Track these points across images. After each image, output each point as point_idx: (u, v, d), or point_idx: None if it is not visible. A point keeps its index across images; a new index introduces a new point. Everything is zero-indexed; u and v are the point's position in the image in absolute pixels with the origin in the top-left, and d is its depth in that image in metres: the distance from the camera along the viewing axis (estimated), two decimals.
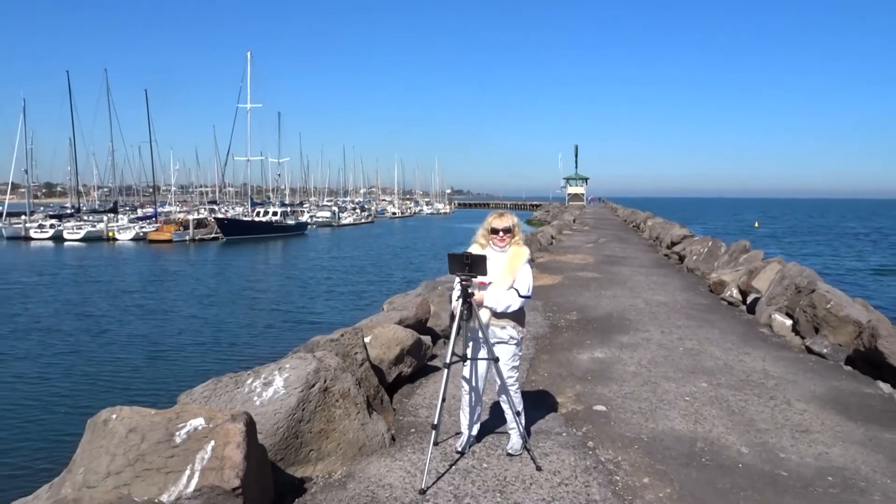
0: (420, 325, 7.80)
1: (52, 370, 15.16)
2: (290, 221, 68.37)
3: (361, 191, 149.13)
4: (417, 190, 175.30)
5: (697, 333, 9.53)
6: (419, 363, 6.94)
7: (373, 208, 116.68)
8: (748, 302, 11.86)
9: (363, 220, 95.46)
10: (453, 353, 4.67)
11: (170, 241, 54.35)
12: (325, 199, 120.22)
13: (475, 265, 4.58)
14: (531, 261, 4.95)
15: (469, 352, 4.83)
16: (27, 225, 58.24)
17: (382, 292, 27.90)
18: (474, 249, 4.94)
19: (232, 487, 3.55)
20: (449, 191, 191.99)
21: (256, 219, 65.23)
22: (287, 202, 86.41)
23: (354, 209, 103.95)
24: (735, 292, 12.65)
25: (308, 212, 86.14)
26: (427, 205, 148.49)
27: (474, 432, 5.11)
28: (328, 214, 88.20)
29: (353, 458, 4.81)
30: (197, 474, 3.56)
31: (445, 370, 4.60)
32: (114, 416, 3.84)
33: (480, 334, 4.78)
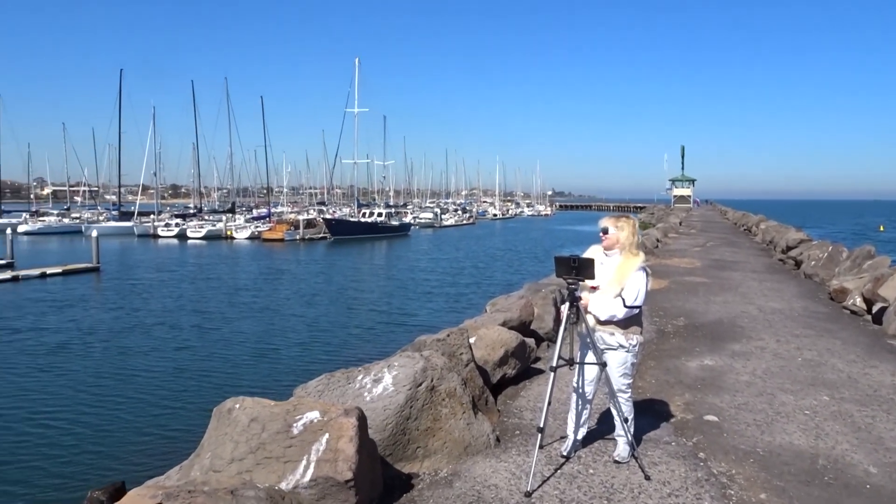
0: (524, 328, 7.80)
1: (179, 361, 16.22)
2: (394, 222, 69.92)
3: (463, 192, 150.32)
4: (518, 191, 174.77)
5: (817, 343, 8.99)
6: (523, 365, 6.94)
7: (474, 210, 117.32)
8: (874, 311, 11.06)
9: (464, 222, 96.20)
10: (560, 357, 4.65)
11: (282, 240, 56.91)
12: (428, 201, 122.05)
13: (582, 268, 4.54)
14: (646, 269, 4.81)
15: (576, 356, 4.79)
16: (155, 223, 62.66)
17: (483, 294, 28.03)
18: (588, 252, 4.89)
19: (345, 479, 3.70)
20: (550, 192, 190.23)
21: (362, 219, 67.20)
22: (391, 204, 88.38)
23: (456, 211, 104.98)
24: (859, 301, 11.82)
25: (411, 213, 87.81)
26: (528, 206, 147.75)
27: (580, 437, 5.06)
28: (431, 216, 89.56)
29: (458, 457, 4.88)
30: (312, 465, 3.73)
31: (552, 373, 4.59)
32: (237, 406, 4.09)
33: (588, 339, 4.74)
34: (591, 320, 4.72)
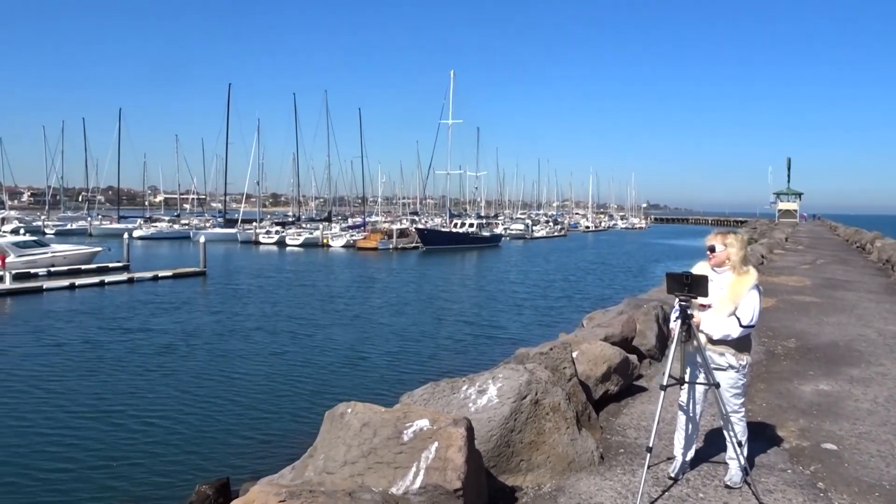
0: (626, 344, 7.65)
1: (276, 365, 16.80)
2: (486, 233, 70.07)
3: (555, 204, 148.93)
4: (612, 203, 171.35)
5: None
6: (626, 382, 6.80)
7: (566, 221, 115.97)
8: None
9: (556, 234, 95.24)
10: (670, 376, 4.53)
11: (375, 248, 58.18)
12: (519, 212, 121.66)
13: (695, 285, 4.42)
14: (759, 288, 4.64)
15: (686, 375, 4.66)
16: (257, 231, 65.48)
17: (574, 308, 27.64)
18: (698, 269, 4.76)
19: (454, 488, 3.75)
20: (645, 205, 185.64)
21: (454, 230, 67.72)
22: (483, 214, 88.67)
23: (547, 222, 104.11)
24: None
25: (502, 224, 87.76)
26: (622, 219, 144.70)
27: (689, 458, 4.91)
28: (522, 227, 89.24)
29: (561, 473, 4.84)
30: (422, 472, 3.80)
31: (662, 392, 4.48)
32: (349, 411, 4.22)
33: (699, 357, 4.60)
34: (702, 338, 4.59)
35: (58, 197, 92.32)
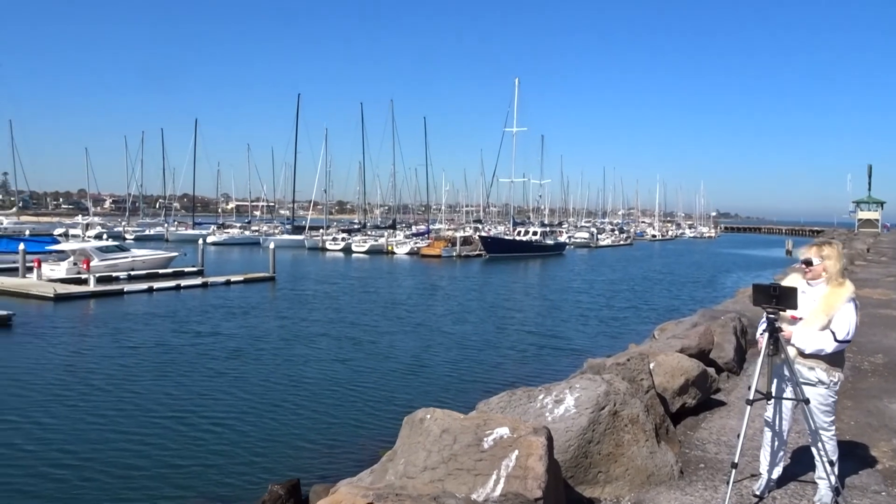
0: (703, 356, 7.45)
1: (342, 370, 17.03)
2: (549, 241, 69.52)
3: (620, 212, 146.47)
4: (679, 212, 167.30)
5: None
6: (703, 396, 6.63)
7: (631, 230, 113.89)
8: None
9: (621, 242, 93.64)
10: (756, 391, 4.40)
11: (439, 256, 58.49)
12: (584, 220, 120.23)
13: (783, 298, 4.28)
14: (856, 301, 4.45)
15: (773, 389, 4.51)
16: (324, 237, 66.83)
17: (641, 319, 27.10)
18: (788, 280, 4.61)
19: (534, 498, 3.73)
20: (714, 213, 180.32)
21: (517, 238, 67.45)
22: (546, 222, 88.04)
23: (613, 231, 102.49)
24: None
25: (566, 232, 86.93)
26: (689, 228, 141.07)
27: (775, 476, 4.74)
28: (586, 235, 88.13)
29: (640, 486, 4.75)
30: (502, 480, 3.80)
31: (748, 407, 4.35)
32: (428, 416, 4.26)
33: (787, 372, 4.44)
34: (791, 352, 4.43)
35: (137, 204, 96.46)
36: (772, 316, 4.33)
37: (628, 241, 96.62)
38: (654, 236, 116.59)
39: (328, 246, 64.83)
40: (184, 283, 32.83)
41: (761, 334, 4.44)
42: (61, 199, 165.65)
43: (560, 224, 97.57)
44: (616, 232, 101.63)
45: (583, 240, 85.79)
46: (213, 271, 38.21)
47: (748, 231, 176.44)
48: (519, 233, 69.76)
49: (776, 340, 4.35)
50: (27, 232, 54.76)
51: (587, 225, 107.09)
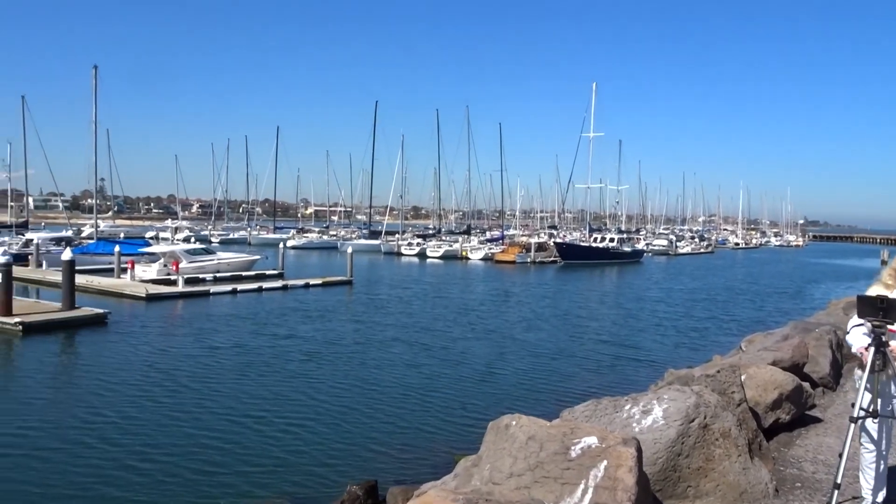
0: (797, 370, 7.13)
1: (416, 375, 17.14)
2: (626, 248, 68.29)
3: (701, 219, 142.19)
4: (764, 219, 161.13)
5: None
6: (798, 411, 6.34)
7: (713, 238, 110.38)
8: None
9: (702, 250, 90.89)
10: (861, 408, 4.17)
11: (513, 262, 58.28)
12: (662, 227, 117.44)
13: (891, 310, 4.05)
14: None
15: (879, 407, 4.26)
16: (399, 242, 67.72)
17: (722, 330, 26.18)
18: (875, 290, 4.37)
19: None
20: (801, 221, 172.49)
21: (593, 244, 66.51)
22: (623, 229, 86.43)
23: (693, 238, 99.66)
24: None
25: (644, 239, 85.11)
26: (775, 236, 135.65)
27: (879, 500, 4.48)
28: (665, 243, 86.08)
29: (732, 503, 4.58)
30: (590, 490, 3.74)
31: (852, 425, 4.13)
32: (514, 423, 4.23)
33: (894, 388, 4.20)
34: None
35: (222, 208, 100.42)
36: (878, 329, 4.11)
37: (709, 249, 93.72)
38: (736, 244, 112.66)
39: (403, 251, 65.63)
40: (265, 285, 33.87)
41: (866, 348, 4.21)
42: (152, 204, 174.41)
43: (637, 231, 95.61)
44: (696, 239, 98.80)
45: (661, 247, 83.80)
46: (292, 274, 39.28)
47: (839, 240, 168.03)
48: (595, 239, 68.80)
49: (884, 355, 4.12)
50: (122, 235, 57.77)
51: (666, 232, 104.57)
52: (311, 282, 36.08)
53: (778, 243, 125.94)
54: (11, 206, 66.64)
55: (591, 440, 3.91)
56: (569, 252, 61.34)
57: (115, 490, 9.59)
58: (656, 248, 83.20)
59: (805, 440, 6.07)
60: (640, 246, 75.65)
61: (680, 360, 19.27)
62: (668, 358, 19.99)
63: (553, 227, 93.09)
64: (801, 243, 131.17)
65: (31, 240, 42.69)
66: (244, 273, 37.52)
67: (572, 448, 3.91)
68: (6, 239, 47.95)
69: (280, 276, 37.97)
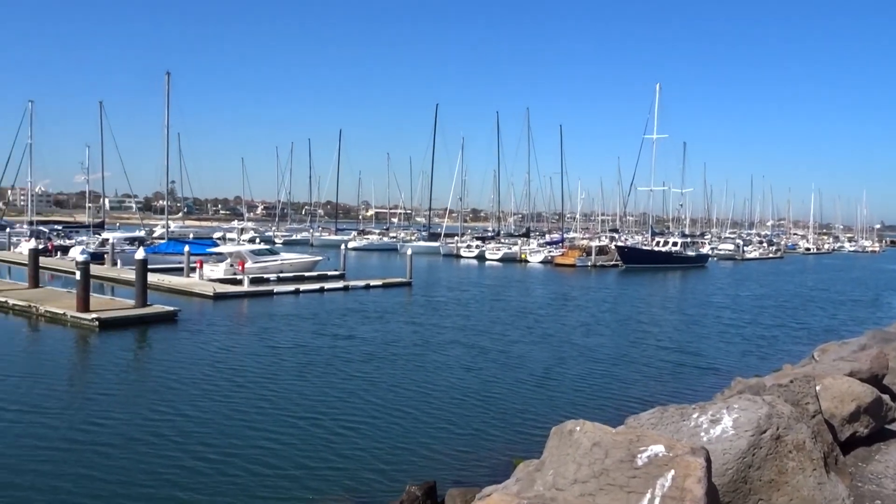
0: (876, 381, 6.80)
1: (472, 379, 17.10)
2: (690, 252, 66.67)
3: (769, 223, 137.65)
4: (837, 224, 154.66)
5: None
6: (877, 425, 6.06)
7: (782, 242, 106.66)
8: None
9: (770, 255, 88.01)
10: None
11: (573, 265, 57.65)
12: (728, 231, 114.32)
13: None
14: None
15: None
16: (458, 244, 67.90)
17: (791, 338, 25.25)
18: None
19: None
20: (878, 226, 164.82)
21: (656, 248, 65.23)
22: (687, 233, 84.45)
23: (761, 242, 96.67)
24: None
25: (709, 243, 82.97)
26: (849, 241, 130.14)
27: None
28: (731, 247, 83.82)
29: None
30: (657, 500, 3.65)
31: None
32: (578, 429, 4.18)
33: None
34: None
35: (285, 210, 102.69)
36: None
37: (778, 255, 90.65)
38: (807, 249, 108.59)
39: (462, 253, 65.75)
40: (327, 286, 34.46)
41: None
42: (220, 206, 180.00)
43: (702, 235, 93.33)
44: (764, 244, 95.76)
45: (727, 252, 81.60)
46: (353, 275, 39.82)
47: None
48: (658, 243, 67.44)
49: None
50: (191, 235, 59.81)
51: (732, 236, 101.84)
52: (372, 283, 36.51)
53: (852, 249, 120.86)
54: (89, 207, 69.86)
55: (658, 448, 3.82)
56: (630, 256, 60.31)
57: (177, 484, 9.87)
58: (722, 252, 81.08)
59: (885, 455, 5.79)
60: (705, 250, 73.72)
61: (747, 368, 18.66)
62: (733, 366, 19.42)
63: (614, 230, 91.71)
64: (877, 249, 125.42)
65: (107, 239, 44.66)
66: (306, 273, 38.25)
67: (638, 456, 3.82)
68: (84, 238, 50.32)
69: (341, 277, 38.56)
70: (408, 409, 14.00)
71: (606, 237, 78.94)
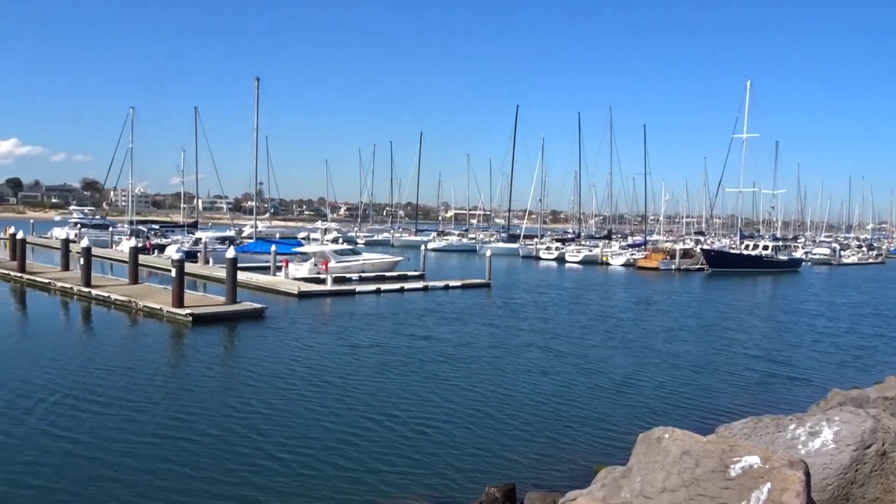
0: None
1: (556, 383, 16.89)
2: (782, 257, 63.88)
3: (869, 226, 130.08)
4: None
5: None
6: None
7: (883, 247, 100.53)
8: None
9: (870, 260, 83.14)
10: None
11: (656, 269, 56.22)
12: (824, 235, 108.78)
13: None
14: None
15: None
16: (537, 246, 67.45)
17: (893, 349, 23.70)
18: None
19: None
20: None
21: (744, 252, 62.81)
22: (779, 236, 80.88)
23: (860, 247, 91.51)
24: None
25: (803, 247, 79.22)
26: None
27: None
28: (826, 251, 79.70)
29: None
30: None
31: None
32: (666, 436, 4.07)
33: None
34: None
35: (367, 211, 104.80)
36: None
37: (879, 259, 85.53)
38: None
39: (542, 255, 65.26)
40: (407, 286, 34.91)
41: None
42: (304, 206, 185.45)
43: (795, 238, 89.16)
44: (863, 248, 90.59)
45: (822, 256, 77.68)
46: (433, 276, 40.17)
47: None
48: (747, 246, 64.93)
49: None
50: (277, 235, 61.81)
51: (828, 240, 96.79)
52: (451, 284, 36.72)
53: None
54: (184, 208, 73.36)
55: (753, 460, 3.67)
56: (717, 259, 58.27)
57: (256, 478, 10.10)
58: (817, 257, 77.26)
59: None
60: (798, 254, 70.45)
61: (844, 380, 17.72)
62: (828, 377, 18.47)
63: (700, 232, 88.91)
64: None
65: (200, 239, 46.75)
66: (387, 273, 38.84)
67: (731, 467, 3.69)
68: (179, 237, 52.89)
69: (421, 278, 38.97)
70: (485, 411, 13.98)
71: (692, 240, 76.54)
